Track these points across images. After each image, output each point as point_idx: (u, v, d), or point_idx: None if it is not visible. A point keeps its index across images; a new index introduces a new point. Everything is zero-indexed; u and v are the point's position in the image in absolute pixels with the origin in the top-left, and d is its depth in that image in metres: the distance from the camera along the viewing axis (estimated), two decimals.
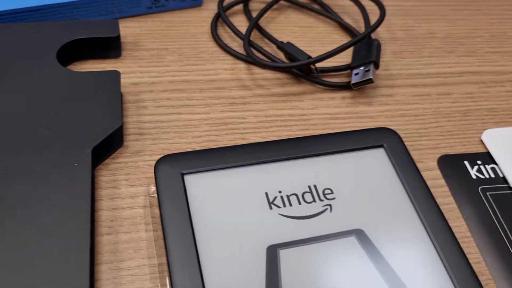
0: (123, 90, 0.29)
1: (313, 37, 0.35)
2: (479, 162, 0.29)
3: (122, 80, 0.29)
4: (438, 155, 0.29)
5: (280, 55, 0.32)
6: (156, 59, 0.31)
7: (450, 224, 0.24)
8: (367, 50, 0.31)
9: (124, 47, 0.32)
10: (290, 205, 0.24)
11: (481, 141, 0.30)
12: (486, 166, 0.29)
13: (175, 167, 0.24)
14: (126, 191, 0.25)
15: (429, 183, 0.27)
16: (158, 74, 0.30)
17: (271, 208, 0.24)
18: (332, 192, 0.25)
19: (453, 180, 0.28)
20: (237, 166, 0.25)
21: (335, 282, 0.22)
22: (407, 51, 0.35)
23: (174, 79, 0.30)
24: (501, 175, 0.28)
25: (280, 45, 0.31)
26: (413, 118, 0.31)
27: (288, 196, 0.24)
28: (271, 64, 0.30)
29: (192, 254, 0.21)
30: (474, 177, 0.28)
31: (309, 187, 0.25)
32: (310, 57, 0.29)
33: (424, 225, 0.24)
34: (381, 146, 0.26)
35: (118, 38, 0.30)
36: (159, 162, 0.24)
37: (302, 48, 0.31)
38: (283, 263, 0.22)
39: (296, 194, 0.24)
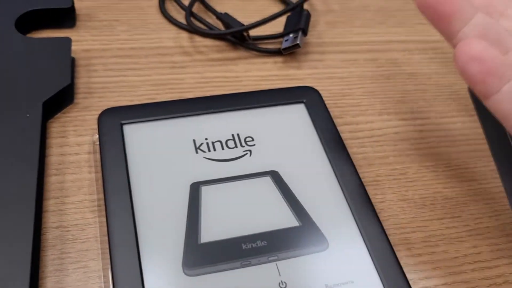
0: (75, 55, 0.33)
1: (253, 9, 0.38)
2: None
3: (75, 47, 0.33)
4: (358, 112, 0.32)
5: (221, 26, 0.35)
6: (108, 29, 0.35)
7: (362, 170, 0.27)
8: (297, 19, 0.34)
9: (79, 19, 0.35)
10: (214, 150, 0.27)
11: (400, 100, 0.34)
12: None
13: (116, 118, 0.28)
14: (74, 140, 0.28)
15: (346, 135, 0.30)
16: (108, 42, 0.34)
17: (197, 152, 0.27)
18: (253, 140, 0.28)
19: None
20: (170, 117, 0.28)
21: (250, 215, 0.25)
22: (340, 22, 0.39)
23: (122, 47, 0.34)
24: None
25: (219, 16, 0.34)
26: (339, 80, 0.34)
27: (213, 143, 0.28)
28: (207, 31, 0.33)
29: (125, 190, 0.25)
30: None
31: (233, 135, 0.28)
32: (243, 25, 0.33)
33: (334, 170, 0.27)
34: (301, 102, 0.30)
35: (72, 9, 0.34)
36: (102, 113, 0.28)
37: (242, 20, 0.35)
38: (204, 198, 0.25)
39: (220, 141, 0.28)
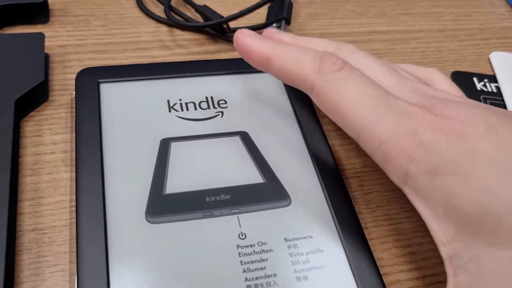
0: (50, 52, 0.31)
1: (233, 1, 0.38)
2: None
3: (49, 43, 0.32)
4: None
5: (200, 19, 0.35)
6: (83, 24, 0.34)
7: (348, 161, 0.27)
8: (279, 9, 0.34)
9: (52, 14, 0.34)
10: (187, 110, 0.28)
11: None
12: None
13: (93, 76, 0.28)
14: (49, 138, 0.27)
15: (331, 127, 0.30)
16: (84, 38, 0.33)
17: (170, 111, 0.28)
18: (226, 103, 0.28)
19: None
20: (147, 79, 0.29)
21: (216, 171, 0.25)
22: (322, 14, 0.38)
23: (99, 42, 0.33)
24: None
25: (198, 8, 0.33)
26: None
27: (186, 103, 0.28)
28: (186, 24, 0.33)
29: (96, 143, 0.25)
30: None
31: (206, 97, 0.29)
32: (222, 17, 0.32)
33: (304, 136, 0.27)
34: None
35: (45, 4, 0.33)
36: (80, 72, 0.28)
37: (222, 12, 0.34)
38: (173, 153, 0.26)
39: (194, 102, 0.28)
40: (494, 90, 0.35)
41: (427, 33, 0.38)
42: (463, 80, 0.36)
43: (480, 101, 0.34)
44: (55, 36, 0.32)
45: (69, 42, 0.32)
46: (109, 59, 0.32)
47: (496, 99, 0.35)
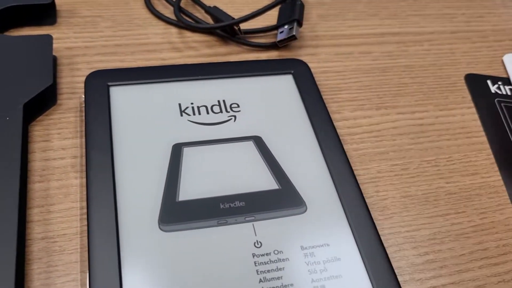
0: (57, 54, 0.31)
1: (242, 2, 0.37)
2: None
3: (57, 45, 0.31)
4: (355, 107, 0.31)
5: (210, 20, 0.34)
6: (91, 26, 0.33)
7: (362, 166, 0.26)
8: (291, 10, 0.33)
9: (60, 15, 0.33)
10: (199, 114, 0.27)
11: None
12: None
13: (103, 79, 0.28)
14: (58, 143, 0.27)
15: (345, 131, 0.29)
16: (91, 39, 0.32)
17: (182, 115, 0.27)
18: (238, 106, 0.28)
19: None
20: (157, 82, 0.28)
21: (230, 177, 0.25)
22: (333, 15, 0.37)
23: (107, 44, 0.32)
24: None
25: (207, 9, 0.33)
26: (335, 74, 0.33)
27: (198, 107, 0.28)
28: (196, 26, 0.32)
29: (107, 149, 0.25)
30: None
31: (218, 101, 0.28)
32: (233, 18, 0.31)
33: (318, 140, 0.27)
34: (290, 73, 0.30)
35: (52, 5, 0.32)
36: (89, 75, 0.28)
37: (231, 13, 0.33)
38: (186, 158, 0.25)
39: (206, 106, 0.28)
40: (509, 93, 0.35)
41: (440, 34, 0.38)
42: (476, 83, 0.35)
43: (495, 104, 0.34)
44: (63, 38, 0.32)
45: (76, 44, 0.32)
46: (117, 61, 0.31)
47: (510, 102, 0.34)
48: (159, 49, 0.32)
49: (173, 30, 0.34)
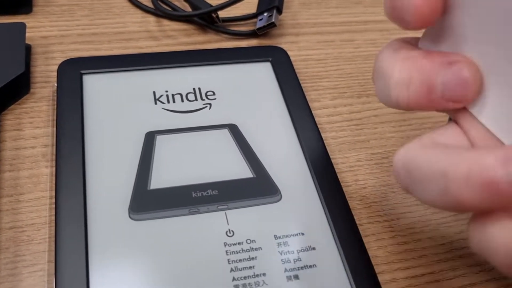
0: (32, 43, 0.30)
1: None
2: None
3: (31, 34, 0.30)
4: (336, 95, 0.31)
5: (189, 9, 0.33)
6: (67, 14, 0.32)
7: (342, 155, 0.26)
8: None
9: (36, 4, 0.33)
10: (174, 102, 0.27)
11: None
12: None
13: (75, 67, 0.27)
14: (30, 132, 0.26)
15: (324, 119, 0.29)
16: (67, 28, 0.32)
17: (156, 103, 0.26)
18: (214, 94, 0.27)
19: None
20: (132, 70, 0.28)
21: (204, 165, 0.24)
22: (315, 2, 0.37)
23: (83, 32, 0.31)
24: None
25: None
26: (315, 62, 0.33)
27: (173, 95, 0.27)
28: (173, 13, 0.31)
29: (78, 137, 0.24)
30: None
31: (194, 89, 0.27)
32: (211, 6, 0.31)
33: (296, 129, 0.26)
34: (268, 60, 0.29)
35: None
36: (62, 63, 0.27)
37: (211, 1, 0.33)
38: (158, 146, 0.25)
39: (180, 94, 0.27)
40: None
41: None
42: None
43: None
44: (38, 27, 0.31)
45: (52, 32, 0.31)
46: (93, 50, 0.30)
47: None
48: (136, 37, 0.32)
49: (151, 18, 0.33)
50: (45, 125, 0.26)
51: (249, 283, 0.21)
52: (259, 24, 0.32)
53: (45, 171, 0.25)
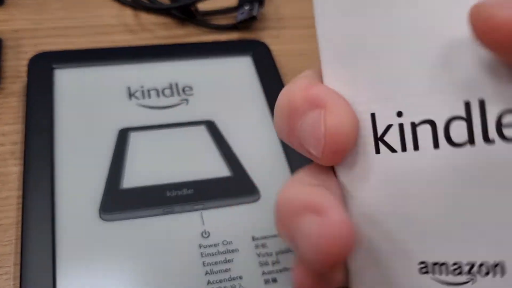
0: (3, 36, 0.29)
1: None
2: None
3: (2, 28, 0.29)
4: None
5: (168, 1, 0.32)
6: (41, 8, 0.31)
7: None
8: None
9: None
10: (149, 97, 0.26)
11: None
12: None
13: (47, 62, 0.26)
14: None
15: None
16: (41, 21, 0.30)
17: (130, 99, 0.25)
18: (191, 89, 0.26)
19: None
20: (106, 64, 0.27)
21: (179, 164, 0.24)
22: None
23: (57, 26, 0.30)
24: None
25: None
26: (298, 57, 0.31)
27: (148, 90, 0.26)
28: (150, 6, 0.30)
29: (47, 134, 0.23)
30: None
31: (170, 84, 0.26)
32: None
33: None
34: (248, 55, 0.28)
35: None
36: (33, 57, 0.26)
37: None
38: (132, 144, 0.24)
39: (156, 89, 0.26)
40: None
41: None
42: None
43: None
44: (10, 20, 0.30)
45: (24, 26, 0.30)
46: (67, 44, 0.29)
47: None
48: (112, 31, 0.31)
49: (128, 11, 0.32)
50: (14, 121, 0.25)
51: (224, 287, 0.20)
52: (240, 17, 0.31)
53: (14, 169, 0.23)
